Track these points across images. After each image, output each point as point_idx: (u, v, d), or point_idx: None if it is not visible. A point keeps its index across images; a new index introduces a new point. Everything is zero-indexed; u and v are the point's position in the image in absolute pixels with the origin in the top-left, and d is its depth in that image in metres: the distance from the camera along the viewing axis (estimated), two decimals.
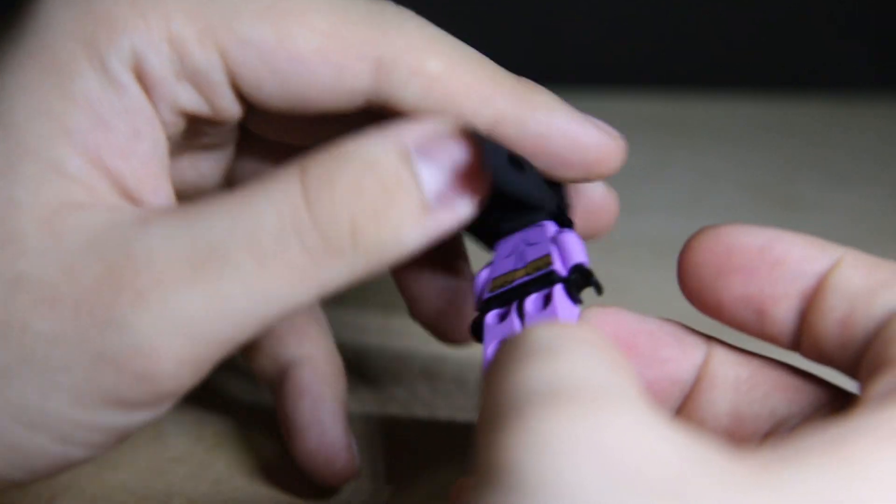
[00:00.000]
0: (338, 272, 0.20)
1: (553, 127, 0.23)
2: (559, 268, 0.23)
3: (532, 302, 0.23)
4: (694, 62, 0.72)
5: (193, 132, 0.24)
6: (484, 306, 0.24)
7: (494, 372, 0.18)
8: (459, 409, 0.33)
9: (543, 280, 0.23)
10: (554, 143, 0.23)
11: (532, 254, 0.23)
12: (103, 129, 0.21)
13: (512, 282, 0.23)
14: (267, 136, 0.27)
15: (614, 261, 0.42)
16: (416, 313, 0.29)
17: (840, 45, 0.72)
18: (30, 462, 0.21)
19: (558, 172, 0.24)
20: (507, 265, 0.24)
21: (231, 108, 0.23)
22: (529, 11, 0.71)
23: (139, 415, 0.21)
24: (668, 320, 0.23)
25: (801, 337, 0.21)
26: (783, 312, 0.21)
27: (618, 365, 0.17)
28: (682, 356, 0.22)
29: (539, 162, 0.23)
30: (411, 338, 0.37)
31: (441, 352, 0.34)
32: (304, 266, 0.20)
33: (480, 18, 0.70)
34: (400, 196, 0.21)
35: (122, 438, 0.21)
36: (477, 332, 0.24)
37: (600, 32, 0.71)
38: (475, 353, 0.26)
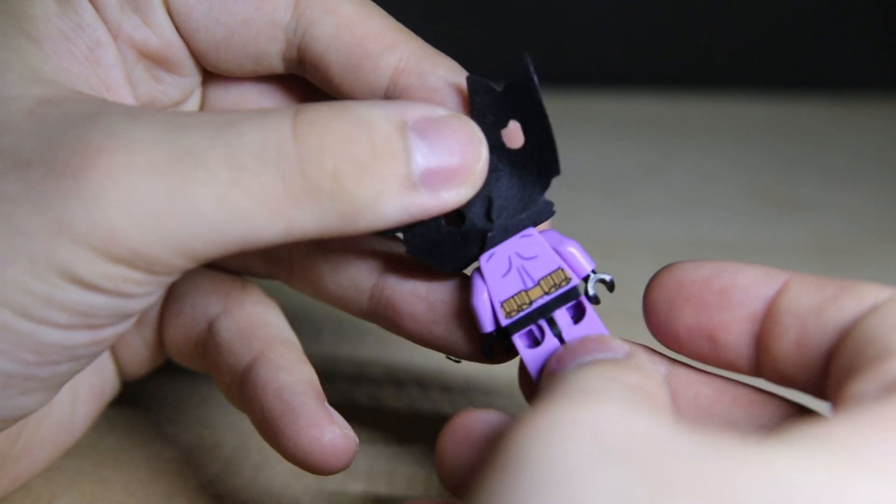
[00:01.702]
0: (309, 214, 0.21)
1: (451, 86, 0.24)
2: (578, 281, 0.24)
3: (562, 319, 0.24)
4: (694, 62, 0.72)
5: (158, 93, 0.25)
6: (506, 332, 0.24)
7: (535, 405, 0.18)
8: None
9: (567, 296, 0.23)
10: (448, 102, 0.24)
11: (539, 270, 0.24)
12: (65, 40, 0.23)
13: (530, 303, 0.24)
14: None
15: (614, 261, 0.42)
16: (403, 334, 0.27)
17: (840, 46, 0.72)
18: (3, 341, 0.20)
19: None
20: (511, 285, 0.24)
21: (173, 41, 0.24)
22: (530, 12, 0.71)
23: (97, 297, 0.21)
24: (632, 343, 0.23)
25: (760, 361, 0.22)
26: (735, 338, 0.22)
27: (647, 402, 0.18)
28: None
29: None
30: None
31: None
32: (277, 194, 0.20)
33: (481, 19, 0.70)
34: (387, 160, 0.21)
35: (90, 324, 0.21)
36: (493, 355, 0.25)
37: (600, 32, 0.71)
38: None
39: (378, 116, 0.21)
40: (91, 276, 0.20)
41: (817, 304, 0.20)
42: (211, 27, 0.24)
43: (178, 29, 0.25)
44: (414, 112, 0.22)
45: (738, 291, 0.22)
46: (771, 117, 0.66)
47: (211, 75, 0.26)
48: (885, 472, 0.15)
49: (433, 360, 0.35)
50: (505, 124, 0.23)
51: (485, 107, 0.23)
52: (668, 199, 0.53)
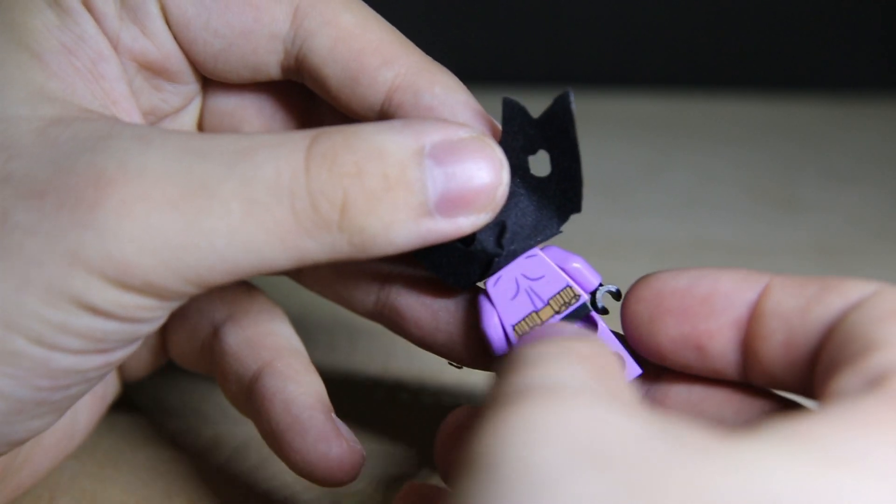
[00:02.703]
0: (319, 244, 0.21)
1: (446, 105, 0.23)
2: (587, 297, 0.24)
3: None
4: (694, 62, 0.72)
5: (158, 101, 0.25)
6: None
7: (494, 381, 0.18)
8: None
9: (577, 313, 0.24)
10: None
11: (548, 290, 0.24)
12: (68, 54, 0.23)
13: (542, 324, 0.24)
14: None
15: (614, 262, 0.42)
16: (407, 337, 0.27)
17: (840, 46, 0.72)
18: (16, 367, 0.21)
19: None
20: (521, 308, 0.24)
21: (172, 51, 0.24)
22: (529, 12, 0.71)
23: (109, 324, 0.21)
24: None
25: (747, 366, 0.21)
26: (721, 345, 0.21)
27: (601, 373, 0.18)
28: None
29: None
30: None
31: None
32: (288, 227, 0.20)
33: (480, 18, 0.70)
34: (399, 190, 0.21)
35: (102, 348, 0.21)
36: None
37: (600, 32, 0.71)
38: None
39: (392, 144, 0.21)
40: (105, 305, 0.20)
41: (801, 303, 0.20)
42: (209, 39, 0.24)
43: (176, 39, 0.24)
44: (432, 135, 0.21)
45: (720, 298, 0.21)
46: (771, 117, 0.66)
47: (211, 80, 0.26)
48: (863, 469, 0.15)
49: (435, 367, 0.35)
50: (534, 152, 0.23)
51: (516, 130, 0.23)
52: (668, 199, 0.53)
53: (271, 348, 0.27)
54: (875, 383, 0.17)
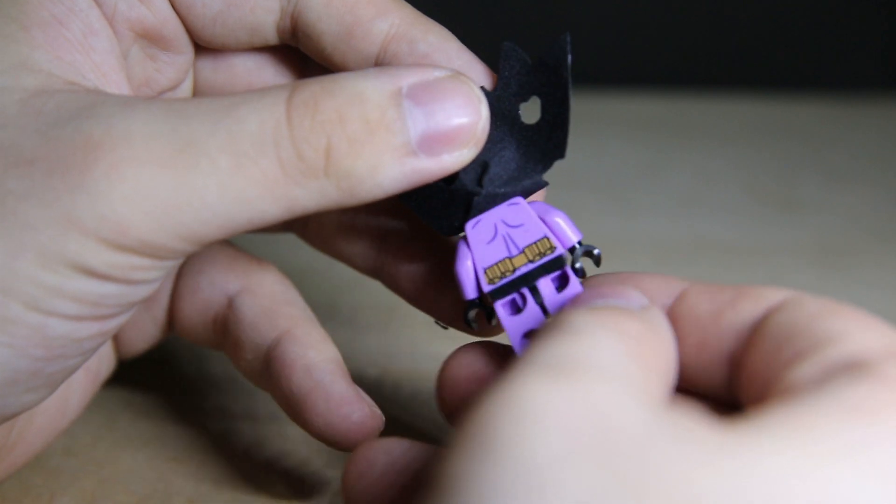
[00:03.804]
0: (309, 192, 0.21)
1: (441, 51, 0.24)
2: (563, 251, 0.23)
3: (546, 288, 0.23)
4: (694, 62, 0.72)
5: (153, 71, 0.25)
6: (488, 298, 0.24)
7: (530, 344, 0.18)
8: None
9: (551, 265, 0.23)
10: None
11: (525, 238, 0.24)
12: (58, 26, 0.23)
13: (514, 270, 0.23)
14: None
15: (614, 261, 0.42)
16: (401, 293, 0.28)
17: (840, 46, 0.72)
18: (12, 334, 0.21)
19: None
20: (495, 252, 0.24)
21: (169, 17, 0.24)
22: (529, 12, 0.71)
23: (105, 286, 0.21)
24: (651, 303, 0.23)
25: None
26: None
27: (638, 355, 0.18)
28: None
29: None
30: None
31: None
32: (276, 177, 0.21)
33: (481, 19, 0.70)
34: (381, 132, 0.21)
35: (98, 314, 0.22)
36: (474, 323, 0.25)
37: (600, 32, 0.71)
38: None
39: (370, 88, 0.21)
40: (100, 266, 0.21)
41: (714, 308, 0.21)
42: (208, 1, 0.25)
43: (173, 5, 0.25)
44: (407, 77, 0.22)
45: None
46: (771, 117, 0.66)
47: (201, 53, 0.26)
48: (864, 462, 0.15)
49: (436, 366, 0.35)
50: (526, 98, 0.23)
51: (511, 76, 0.23)
52: (668, 199, 0.53)
53: (288, 317, 0.28)
54: (853, 369, 0.17)
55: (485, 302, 0.24)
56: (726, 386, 0.21)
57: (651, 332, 0.19)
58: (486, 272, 0.24)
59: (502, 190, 0.24)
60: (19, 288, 0.20)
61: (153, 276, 0.22)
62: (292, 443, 0.31)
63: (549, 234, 0.23)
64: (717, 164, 0.58)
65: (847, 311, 0.19)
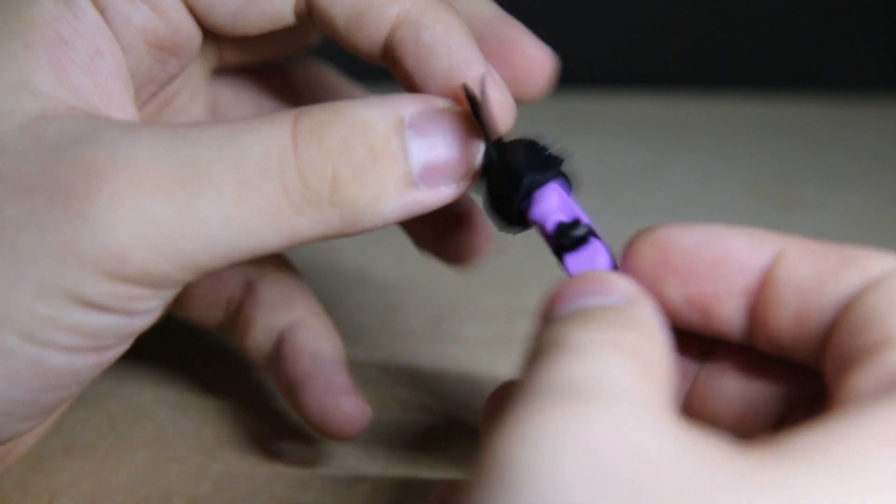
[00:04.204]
0: (311, 221, 0.21)
1: (444, 44, 0.23)
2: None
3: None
4: (694, 62, 0.72)
5: (159, 71, 0.25)
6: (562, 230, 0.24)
7: (527, 363, 0.18)
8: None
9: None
10: (438, 61, 0.23)
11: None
12: (63, 46, 0.22)
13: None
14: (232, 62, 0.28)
15: None
16: (420, 243, 0.29)
17: (841, 46, 0.72)
18: (8, 366, 0.20)
19: (427, 86, 0.24)
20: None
21: (185, 24, 0.24)
22: (529, 12, 0.71)
23: (104, 317, 0.21)
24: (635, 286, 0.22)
25: (754, 333, 0.21)
26: (729, 311, 0.21)
27: (643, 369, 0.17)
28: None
29: (416, 70, 0.24)
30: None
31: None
32: (280, 205, 0.21)
33: None
34: (385, 161, 0.21)
35: (96, 345, 0.21)
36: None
37: (599, 32, 0.71)
38: None
39: (373, 117, 0.21)
40: (98, 297, 0.20)
41: (817, 276, 0.19)
42: (223, 3, 0.24)
43: (192, 9, 0.24)
44: (410, 107, 0.22)
45: (730, 262, 0.20)
46: (771, 117, 0.66)
47: (219, 78, 0.27)
48: (867, 488, 0.14)
49: (436, 366, 0.35)
50: None
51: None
52: (668, 199, 0.53)
53: (304, 306, 0.29)
54: (892, 387, 0.16)
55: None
56: (820, 358, 0.20)
57: (647, 339, 0.18)
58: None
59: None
60: (15, 319, 0.20)
61: (152, 306, 0.21)
62: (292, 443, 0.31)
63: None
64: (718, 164, 0.58)
65: None
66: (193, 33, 0.25)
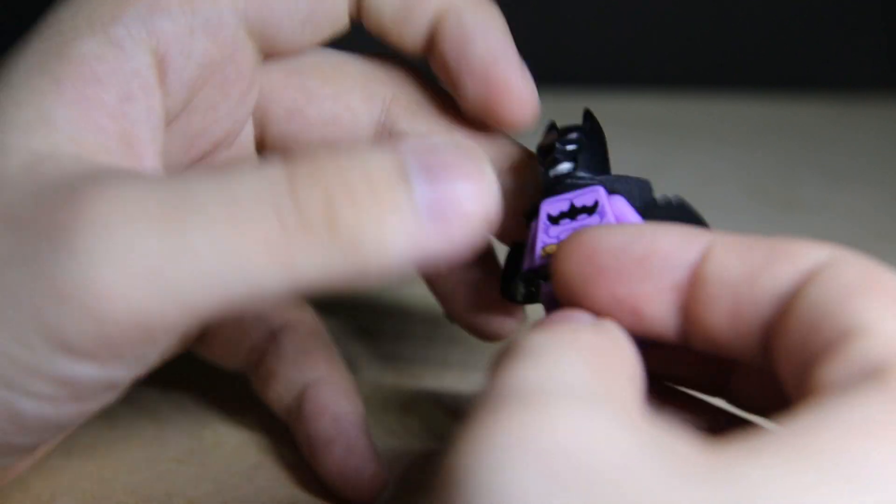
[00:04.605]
0: (312, 258, 0.19)
1: (480, 30, 0.26)
2: None
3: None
4: (694, 62, 0.72)
5: (212, 122, 0.25)
6: (537, 274, 0.24)
7: (488, 373, 0.18)
8: None
9: None
10: (473, 46, 0.25)
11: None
12: (94, 85, 0.21)
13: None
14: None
15: None
16: (450, 312, 0.29)
17: (841, 46, 0.72)
18: None
19: (462, 72, 0.25)
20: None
21: (245, 53, 0.25)
22: (529, 11, 0.71)
23: (86, 367, 0.19)
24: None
25: (689, 331, 0.20)
26: (660, 310, 0.20)
27: (604, 367, 0.17)
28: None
29: (453, 55, 0.25)
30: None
31: None
32: (276, 238, 0.19)
33: None
34: (386, 194, 0.19)
35: (75, 396, 0.20)
36: (518, 297, 0.25)
37: (600, 32, 0.71)
38: None
39: (376, 153, 0.20)
40: (82, 340, 0.19)
41: (748, 270, 0.19)
42: (292, 12, 0.25)
43: (261, 33, 0.25)
44: (416, 145, 0.20)
45: (658, 259, 0.20)
46: (771, 117, 0.66)
47: (271, 104, 0.27)
48: (875, 490, 0.14)
49: (435, 366, 0.35)
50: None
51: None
52: None
53: (327, 362, 0.29)
54: (872, 377, 0.16)
55: (529, 278, 0.24)
56: (760, 353, 0.19)
57: (607, 337, 0.18)
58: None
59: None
60: None
61: (141, 354, 0.20)
62: (292, 444, 0.31)
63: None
64: (718, 164, 0.58)
65: (881, 287, 0.17)
66: (250, 64, 0.25)
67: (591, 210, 0.23)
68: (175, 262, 0.18)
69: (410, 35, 0.26)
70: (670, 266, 0.20)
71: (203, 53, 0.24)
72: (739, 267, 0.19)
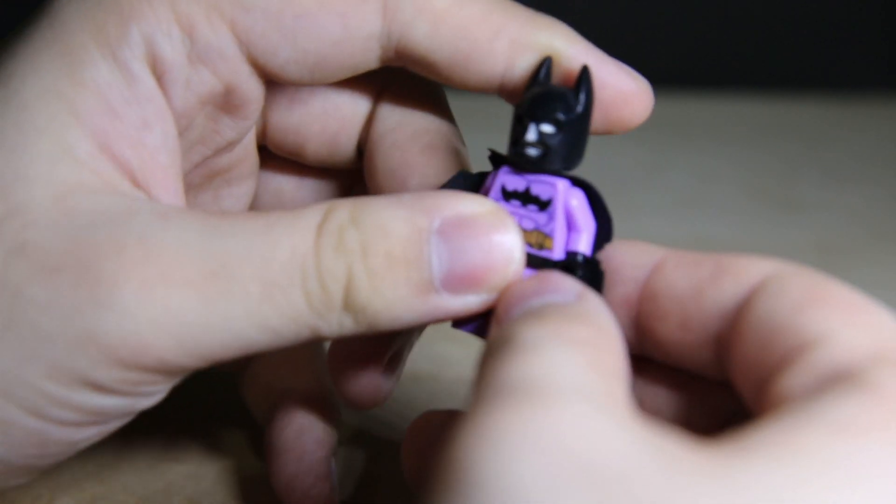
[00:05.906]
0: (328, 324, 0.20)
1: (570, 57, 0.23)
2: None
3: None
4: (694, 62, 0.72)
5: (212, 132, 0.24)
6: None
7: (480, 365, 0.18)
8: None
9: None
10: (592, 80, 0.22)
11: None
12: (111, 116, 0.21)
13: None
14: (285, 150, 0.26)
15: None
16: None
17: (840, 46, 0.72)
18: (8, 435, 0.20)
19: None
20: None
21: (249, 84, 0.23)
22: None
23: (111, 399, 0.21)
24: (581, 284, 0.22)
25: (644, 343, 0.21)
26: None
27: (596, 362, 0.17)
28: None
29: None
30: None
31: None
32: (301, 309, 0.20)
33: None
34: (401, 268, 0.20)
35: (98, 421, 0.21)
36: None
37: (600, 32, 0.71)
38: None
39: (398, 221, 0.20)
40: (109, 382, 0.20)
41: (695, 285, 0.20)
42: (299, 58, 0.23)
43: (264, 69, 0.23)
44: (443, 211, 0.20)
45: (610, 273, 0.21)
46: (771, 117, 0.66)
47: (272, 93, 0.25)
48: (865, 486, 0.14)
49: (435, 365, 0.35)
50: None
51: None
52: (668, 199, 0.53)
53: (309, 373, 0.29)
54: (842, 381, 0.16)
55: None
56: (715, 365, 0.20)
57: (597, 331, 0.18)
58: None
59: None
60: (22, 395, 0.20)
61: (160, 388, 0.21)
62: None
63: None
64: (718, 164, 0.58)
65: (832, 298, 0.18)
66: (254, 92, 0.24)
67: (543, 205, 0.22)
68: (209, 325, 0.20)
69: (477, 80, 0.23)
70: (622, 280, 0.21)
71: (201, 82, 0.23)
72: (686, 281, 0.20)
